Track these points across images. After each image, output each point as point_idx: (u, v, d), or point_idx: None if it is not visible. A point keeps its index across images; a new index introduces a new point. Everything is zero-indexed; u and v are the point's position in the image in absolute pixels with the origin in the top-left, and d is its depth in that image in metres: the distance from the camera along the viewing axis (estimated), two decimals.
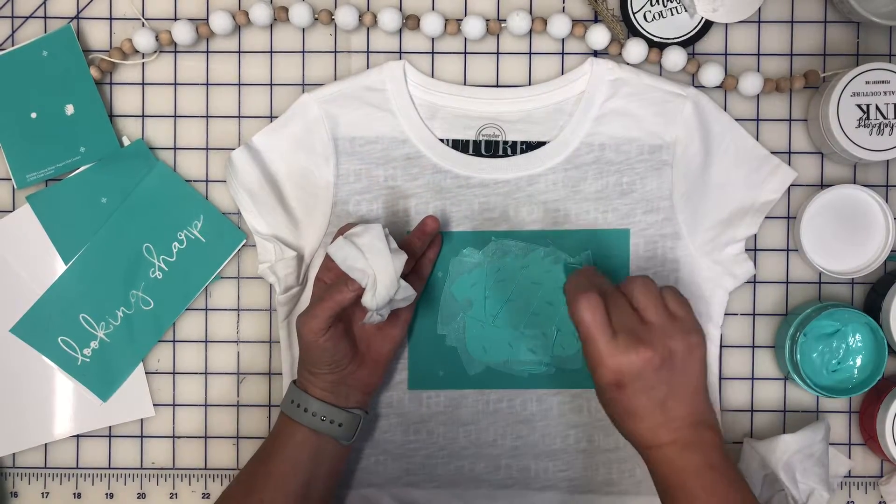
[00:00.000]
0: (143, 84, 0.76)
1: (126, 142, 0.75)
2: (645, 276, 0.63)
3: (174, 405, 0.77)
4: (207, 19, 0.74)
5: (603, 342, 0.60)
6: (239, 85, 0.76)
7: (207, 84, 0.76)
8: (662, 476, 0.61)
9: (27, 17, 0.76)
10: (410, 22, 0.74)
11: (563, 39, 0.75)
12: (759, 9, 0.74)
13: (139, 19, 0.76)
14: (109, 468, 0.77)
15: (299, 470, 0.67)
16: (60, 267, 0.75)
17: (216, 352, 0.77)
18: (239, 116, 0.76)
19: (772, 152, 0.74)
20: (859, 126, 0.70)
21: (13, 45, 0.75)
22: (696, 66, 0.73)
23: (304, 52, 0.76)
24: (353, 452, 0.74)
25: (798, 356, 0.71)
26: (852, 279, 0.75)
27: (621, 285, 0.63)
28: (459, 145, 0.74)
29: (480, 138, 0.74)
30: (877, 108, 0.70)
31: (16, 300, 0.75)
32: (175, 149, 0.76)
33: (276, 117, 0.75)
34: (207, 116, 0.76)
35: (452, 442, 0.74)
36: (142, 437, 0.77)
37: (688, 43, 0.74)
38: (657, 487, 0.63)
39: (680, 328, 0.61)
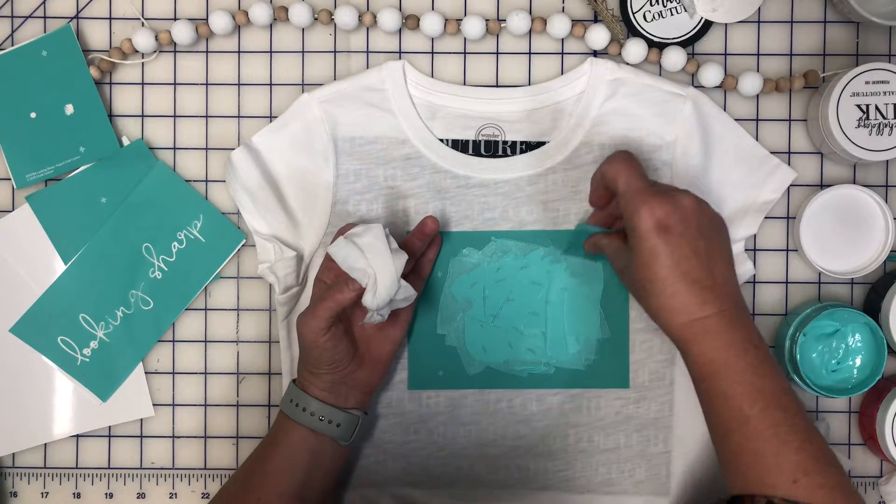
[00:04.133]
0: (142, 84, 0.76)
1: (126, 142, 0.75)
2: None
3: (174, 405, 0.77)
4: (207, 19, 0.74)
5: (644, 183, 0.61)
6: (239, 85, 0.76)
7: (207, 84, 0.76)
8: (705, 354, 0.59)
9: (27, 17, 0.76)
10: (410, 22, 0.74)
11: (562, 39, 0.75)
12: (759, 9, 0.74)
13: (139, 19, 0.76)
14: (109, 468, 0.77)
15: (297, 469, 0.67)
16: (60, 267, 0.75)
17: (216, 352, 0.77)
18: (239, 116, 0.76)
19: (772, 152, 0.74)
20: (859, 126, 0.70)
21: (13, 45, 0.75)
22: (696, 66, 0.73)
23: (303, 51, 0.76)
24: (352, 452, 0.74)
25: (798, 356, 0.71)
26: (852, 279, 0.75)
27: None
28: (459, 145, 0.74)
29: (480, 138, 0.74)
30: (876, 108, 0.70)
31: (16, 300, 0.75)
32: (175, 149, 0.76)
33: (276, 117, 0.75)
34: (207, 116, 0.76)
35: (452, 442, 0.74)
36: (141, 437, 0.77)
37: (687, 43, 0.74)
38: (693, 367, 0.60)
39: (709, 206, 0.63)
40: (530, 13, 0.74)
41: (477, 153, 0.74)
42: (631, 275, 0.62)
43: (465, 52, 0.76)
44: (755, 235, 0.75)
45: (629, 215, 0.60)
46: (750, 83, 0.73)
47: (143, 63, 0.76)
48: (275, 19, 0.74)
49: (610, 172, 0.63)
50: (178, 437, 0.77)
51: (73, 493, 0.77)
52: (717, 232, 0.62)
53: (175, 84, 0.76)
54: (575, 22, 0.74)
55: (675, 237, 0.59)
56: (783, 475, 0.56)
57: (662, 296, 0.60)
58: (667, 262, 0.59)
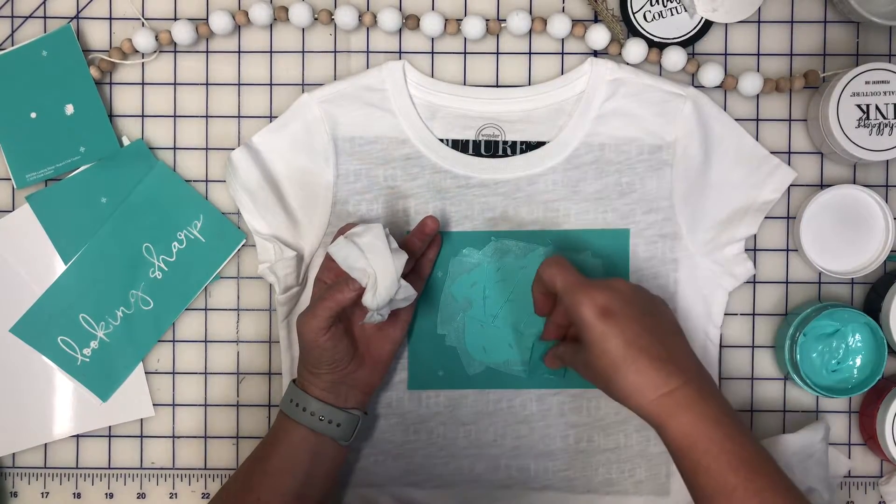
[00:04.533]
0: (142, 84, 0.76)
1: (126, 142, 0.75)
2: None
3: (174, 405, 0.77)
4: (207, 19, 0.74)
5: (580, 278, 0.63)
6: (239, 85, 0.76)
7: (207, 84, 0.76)
8: (681, 428, 0.59)
9: (27, 17, 0.76)
10: (410, 22, 0.74)
11: (562, 39, 0.75)
12: (759, 9, 0.74)
13: (139, 19, 0.76)
14: (109, 468, 0.77)
15: (297, 469, 0.67)
16: (60, 267, 0.75)
17: (216, 352, 0.77)
18: (239, 116, 0.76)
19: (772, 152, 0.74)
20: (859, 126, 0.70)
21: (13, 45, 0.75)
22: (696, 66, 0.73)
23: (303, 52, 0.76)
24: (352, 452, 0.74)
25: (798, 356, 0.71)
26: (852, 279, 0.75)
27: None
28: (459, 145, 0.74)
29: (480, 138, 0.74)
30: (876, 108, 0.70)
31: (16, 300, 0.75)
32: (175, 149, 0.76)
33: (276, 117, 0.75)
34: (207, 116, 0.76)
35: (452, 442, 0.74)
36: (141, 436, 0.77)
37: (688, 43, 0.74)
38: (671, 444, 0.60)
39: (645, 289, 0.66)
40: (530, 13, 0.74)
41: (477, 153, 0.74)
42: (592, 369, 0.62)
43: (465, 52, 0.76)
44: (755, 235, 0.75)
45: (573, 310, 0.61)
46: (750, 83, 0.73)
47: (143, 63, 0.76)
48: (275, 19, 0.74)
49: (546, 276, 0.65)
50: (179, 437, 0.77)
51: (73, 493, 0.77)
52: (659, 310, 0.64)
53: (175, 84, 0.76)
54: (575, 22, 0.74)
55: (621, 319, 0.60)
56: None
57: (626, 377, 0.60)
58: (620, 343, 0.60)
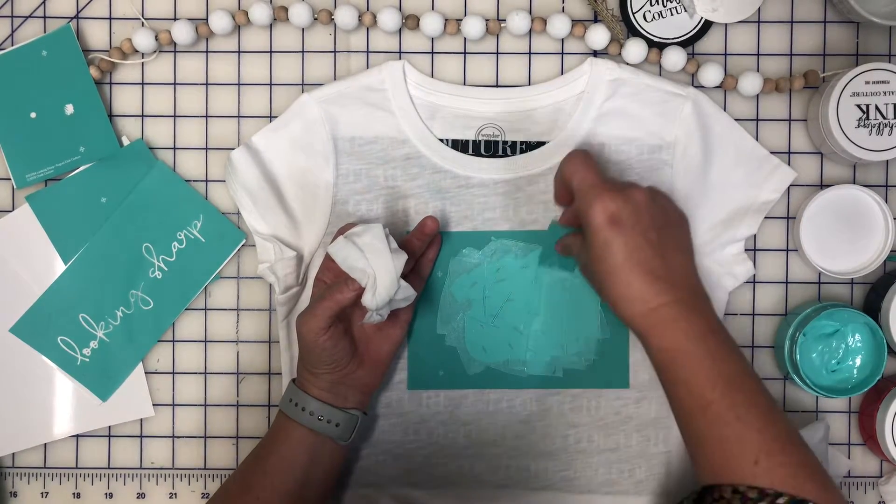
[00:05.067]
0: (142, 84, 0.76)
1: (126, 142, 0.75)
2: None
3: (174, 405, 0.77)
4: (207, 19, 0.74)
5: (598, 179, 0.62)
6: (238, 85, 0.76)
7: (207, 84, 0.76)
8: (663, 342, 0.60)
9: (27, 17, 0.76)
10: (410, 22, 0.74)
11: (562, 39, 0.75)
12: (759, 9, 0.74)
13: (139, 19, 0.76)
14: (109, 468, 0.77)
15: (296, 469, 0.67)
16: (60, 267, 0.75)
17: (216, 351, 0.77)
18: (238, 116, 0.76)
19: (772, 152, 0.74)
20: (859, 126, 0.70)
21: (13, 45, 0.75)
22: (696, 66, 0.73)
23: (303, 51, 0.76)
24: (352, 452, 0.74)
25: (798, 356, 0.71)
26: (852, 279, 0.75)
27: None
28: (459, 145, 0.74)
29: (480, 138, 0.74)
30: (876, 108, 0.70)
31: (16, 300, 0.75)
32: (174, 149, 0.76)
33: (276, 117, 0.75)
34: (207, 116, 0.76)
35: (452, 442, 0.74)
36: (141, 436, 0.77)
37: (687, 43, 0.74)
38: (654, 356, 0.61)
39: (669, 198, 0.65)
40: (530, 13, 0.74)
41: (477, 153, 0.74)
42: (590, 270, 0.63)
43: (465, 52, 0.76)
44: (755, 235, 0.75)
45: (583, 211, 0.61)
46: (750, 83, 0.73)
47: (143, 63, 0.76)
48: (275, 19, 0.74)
49: (566, 171, 0.64)
50: (178, 437, 0.77)
51: (73, 493, 0.77)
52: (672, 224, 0.64)
53: (175, 84, 0.76)
54: (575, 22, 0.74)
55: (627, 229, 0.60)
56: (745, 457, 0.56)
57: (618, 286, 0.60)
58: (619, 253, 0.60)
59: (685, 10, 0.74)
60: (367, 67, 0.75)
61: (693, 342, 0.59)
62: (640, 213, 0.61)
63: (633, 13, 0.74)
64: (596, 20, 0.75)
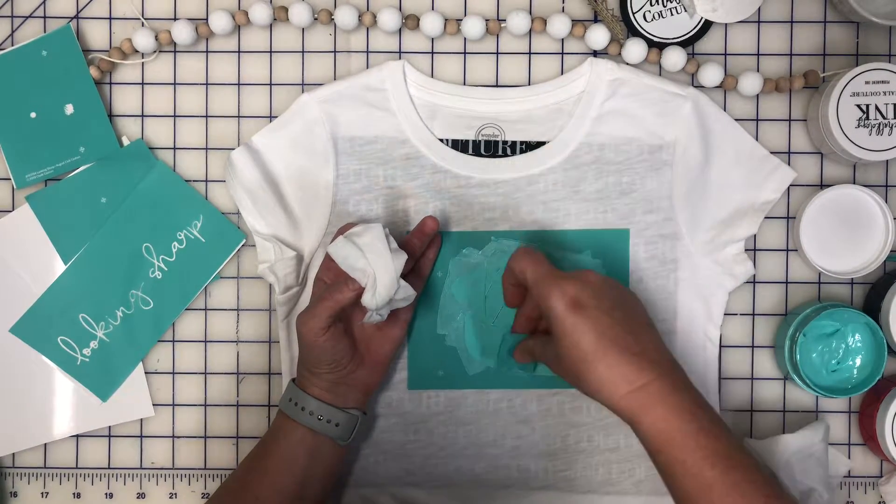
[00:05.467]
0: (142, 84, 0.76)
1: (126, 142, 0.75)
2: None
3: (174, 405, 0.77)
4: (207, 19, 0.74)
5: (550, 269, 0.62)
6: (238, 85, 0.76)
7: (207, 84, 0.76)
8: (655, 423, 0.58)
9: (27, 17, 0.76)
10: (410, 22, 0.74)
11: (562, 39, 0.75)
12: (759, 9, 0.74)
13: (139, 19, 0.76)
14: (109, 468, 0.77)
15: (295, 468, 0.67)
16: (60, 267, 0.75)
17: (216, 352, 0.77)
18: (238, 116, 0.76)
19: (772, 152, 0.74)
20: (859, 126, 0.70)
21: (13, 45, 0.75)
22: (696, 66, 0.73)
23: (303, 51, 0.76)
24: (352, 452, 0.74)
25: (798, 356, 0.71)
26: (852, 279, 0.75)
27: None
28: (459, 145, 0.74)
29: (480, 138, 0.74)
30: (876, 108, 0.70)
31: (16, 300, 0.75)
32: (174, 149, 0.76)
33: (276, 117, 0.75)
34: (207, 116, 0.76)
35: (452, 442, 0.74)
36: (141, 436, 0.77)
37: (687, 43, 0.74)
38: (647, 439, 0.60)
39: (617, 281, 0.65)
40: (530, 13, 0.74)
41: (477, 153, 0.74)
42: (562, 362, 0.62)
43: (465, 52, 0.76)
44: (755, 235, 0.75)
45: (543, 301, 0.61)
46: (750, 83, 0.73)
47: (143, 63, 0.76)
48: (275, 19, 0.74)
49: (517, 268, 0.64)
50: (178, 437, 0.77)
51: (73, 493, 0.77)
52: (629, 303, 0.63)
53: (175, 84, 0.76)
54: (575, 22, 0.74)
55: (592, 311, 0.60)
56: None
57: (597, 370, 0.59)
58: (591, 336, 0.59)
59: (685, 10, 0.74)
60: (367, 67, 0.75)
61: (687, 420, 0.58)
62: (599, 294, 0.61)
63: (633, 13, 0.74)
64: (596, 20, 0.75)
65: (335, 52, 0.76)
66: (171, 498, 0.77)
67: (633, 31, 0.74)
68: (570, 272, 0.63)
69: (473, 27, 0.73)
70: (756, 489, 0.57)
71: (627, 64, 0.74)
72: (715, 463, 0.57)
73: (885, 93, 0.70)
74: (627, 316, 0.61)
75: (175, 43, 0.74)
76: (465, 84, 0.75)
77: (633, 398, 0.59)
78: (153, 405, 0.77)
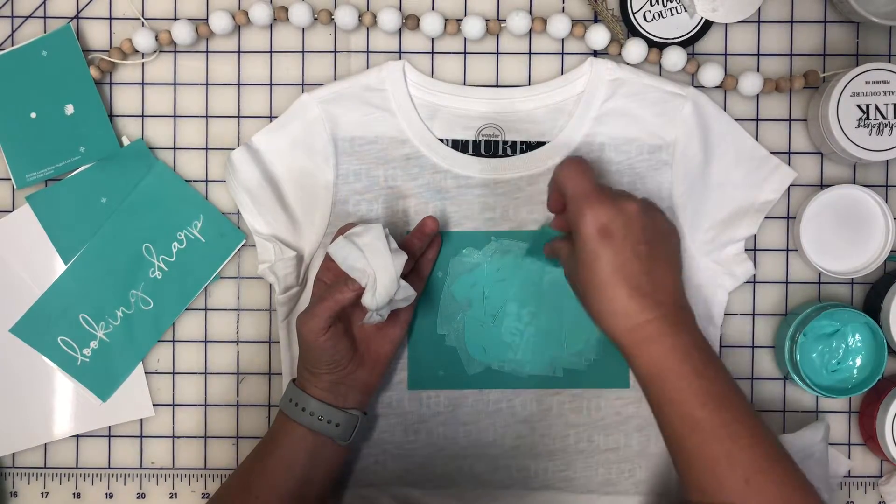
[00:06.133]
0: (142, 84, 0.76)
1: (126, 142, 0.75)
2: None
3: (174, 405, 0.77)
4: (207, 19, 0.74)
5: (592, 188, 0.61)
6: (238, 85, 0.76)
7: (207, 84, 0.76)
8: (649, 360, 0.59)
9: (27, 17, 0.76)
10: (410, 22, 0.74)
11: (562, 39, 0.75)
12: (759, 9, 0.74)
13: (139, 19, 0.76)
14: (109, 468, 0.77)
15: (295, 469, 0.67)
16: (60, 267, 0.75)
17: (216, 352, 0.77)
18: (238, 116, 0.76)
19: (772, 152, 0.74)
20: (859, 126, 0.70)
21: (13, 45, 0.75)
22: (696, 66, 0.73)
23: (303, 52, 0.76)
24: (352, 452, 0.74)
25: (798, 356, 0.71)
26: (852, 279, 0.75)
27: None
28: (459, 145, 0.74)
29: (480, 138, 0.74)
30: (876, 108, 0.70)
31: (16, 300, 0.75)
32: (175, 149, 0.76)
33: (276, 117, 0.75)
34: (207, 116, 0.76)
35: (452, 442, 0.74)
36: (141, 437, 0.77)
37: (687, 43, 0.74)
38: (640, 374, 0.60)
39: (661, 211, 0.64)
40: (530, 13, 0.74)
41: (477, 153, 0.74)
42: (575, 279, 0.63)
43: (465, 52, 0.76)
44: (755, 235, 0.75)
45: (574, 219, 0.61)
46: (750, 83, 0.73)
47: (143, 63, 0.76)
48: (275, 19, 0.74)
49: (560, 177, 0.63)
50: (178, 437, 0.77)
51: (73, 493, 0.77)
52: (663, 238, 0.63)
53: (175, 84, 0.76)
54: (575, 22, 0.74)
55: (617, 242, 0.59)
56: (736, 475, 0.56)
57: (603, 300, 0.60)
58: (607, 266, 0.59)
59: (685, 10, 0.74)
60: (367, 67, 0.75)
61: (680, 359, 0.59)
62: (631, 225, 0.60)
63: (633, 13, 0.74)
64: (596, 20, 0.75)
65: (335, 52, 0.76)
66: (171, 498, 0.77)
67: (633, 31, 0.74)
68: (610, 193, 0.62)
69: (473, 27, 0.73)
70: (744, 432, 0.57)
71: (627, 64, 0.74)
72: (705, 402, 0.58)
73: (885, 93, 0.70)
74: (651, 253, 0.60)
75: (175, 43, 0.74)
76: (465, 84, 0.75)
77: (630, 333, 0.60)
78: (153, 405, 0.77)
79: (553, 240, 0.70)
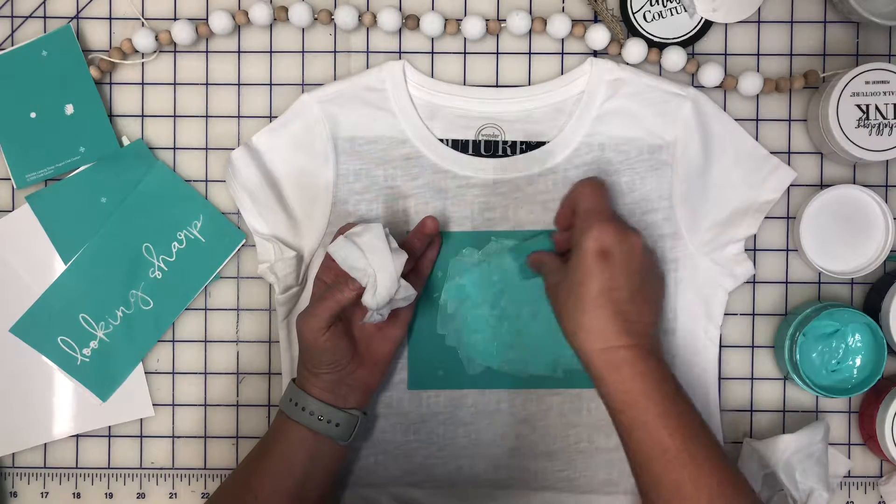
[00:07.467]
0: (142, 84, 0.76)
1: (126, 142, 0.75)
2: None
3: (174, 405, 0.77)
4: (207, 19, 0.74)
5: (605, 208, 0.63)
6: (238, 85, 0.76)
7: (207, 84, 0.76)
8: (622, 383, 0.60)
9: (27, 17, 0.76)
10: (410, 22, 0.74)
11: (562, 39, 0.75)
12: (759, 9, 0.74)
13: (139, 19, 0.76)
14: (109, 468, 0.77)
15: (295, 468, 0.67)
16: (60, 267, 0.75)
17: (216, 352, 0.77)
18: (238, 116, 0.76)
19: (772, 152, 0.74)
20: (859, 126, 0.70)
21: (13, 45, 0.75)
22: (696, 66, 0.73)
23: (303, 52, 0.76)
24: (352, 452, 0.74)
25: (798, 356, 0.71)
26: (852, 279, 0.75)
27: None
28: (459, 145, 0.74)
29: (480, 138, 0.74)
30: (876, 108, 0.70)
31: (16, 300, 0.75)
32: (174, 149, 0.76)
33: (276, 117, 0.75)
34: (207, 116, 0.76)
35: (452, 442, 0.74)
36: (141, 436, 0.77)
37: (687, 43, 0.74)
38: (609, 397, 0.61)
39: (657, 257, 0.69)
40: (530, 13, 0.74)
41: (477, 153, 0.74)
42: (561, 292, 0.63)
43: (465, 52, 0.76)
44: (755, 235, 0.75)
45: (580, 234, 0.62)
46: (750, 83, 0.73)
47: (143, 63, 0.76)
48: (275, 19, 0.74)
49: (577, 193, 0.65)
50: (178, 437, 0.77)
51: (73, 493, 0.77)
52: (655, 278, 0.65)
53: (175, 84, 0.76)
54: (575, 22, 0.74)
55: (614, 266, 0.61)
56: (701, 498, 0.58)
57: (584, 317, 0.61)
58: (598, 285, 0.61)
59: (685, 10, 0.74)
60: (367, 67, 0.75)
61: (652, 386, 0.60)
62: (631, 255, 0.62)
63: (633, 13, 0.74)
64: (596, 20, 0.75)
65: (335, 52, 0.76)
66: (171, 498, 0.77)
67: (633, 31, 0.74)
68: (620, 222, 0.63)
69: (473, 27, 0.73)
70: (708, 456, 0.59)
71: (627, 64, 0.74)
72: (675, 430, 0.59)
73: (885, 93, 0.70)
74: (642, 289, 0.62)
75: (175, 43, 0.74)
76: (465, 84, 0.75)
77: (604, 353, 0.61)
78: (153, 405, 0.77)
79: (540, 251, 0.71)
